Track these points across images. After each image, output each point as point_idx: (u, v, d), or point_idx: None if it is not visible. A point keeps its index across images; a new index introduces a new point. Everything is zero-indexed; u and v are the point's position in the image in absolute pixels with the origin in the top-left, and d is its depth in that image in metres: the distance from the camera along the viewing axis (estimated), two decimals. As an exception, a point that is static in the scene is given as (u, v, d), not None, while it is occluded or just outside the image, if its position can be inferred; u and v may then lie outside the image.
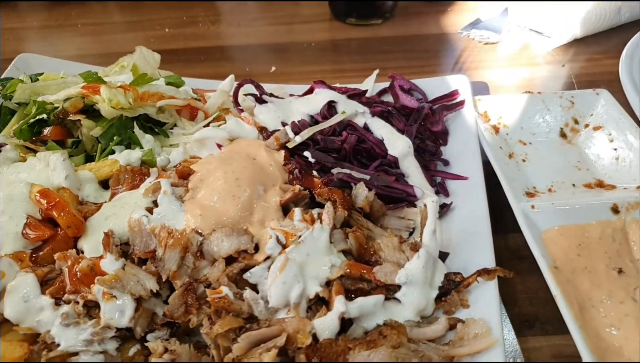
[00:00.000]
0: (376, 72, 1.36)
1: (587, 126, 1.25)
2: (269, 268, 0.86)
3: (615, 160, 1.17)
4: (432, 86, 1.30)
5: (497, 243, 1.02)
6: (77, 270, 0.89)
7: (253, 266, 0.88)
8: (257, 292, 0.85)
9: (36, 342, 0.84)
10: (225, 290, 0.82)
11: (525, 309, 0.98)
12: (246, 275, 0.86)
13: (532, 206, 1.02)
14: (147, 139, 1.13)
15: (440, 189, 1.10)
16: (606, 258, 0.97)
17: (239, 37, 1.77)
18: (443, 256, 0.98)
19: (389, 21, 1.80)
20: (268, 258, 0.88)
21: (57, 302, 0.87)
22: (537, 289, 0.99)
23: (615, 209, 1.02)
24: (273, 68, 1.58)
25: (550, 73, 1.54)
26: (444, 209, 1.06)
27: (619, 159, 1.17)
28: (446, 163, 1.16)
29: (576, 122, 1.26)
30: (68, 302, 0.87)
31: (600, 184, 1.14)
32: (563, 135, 1.26)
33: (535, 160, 1.21)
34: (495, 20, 1.72)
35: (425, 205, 0.98)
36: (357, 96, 1.23)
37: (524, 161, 1.21)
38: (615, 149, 1.18)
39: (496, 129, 1.26)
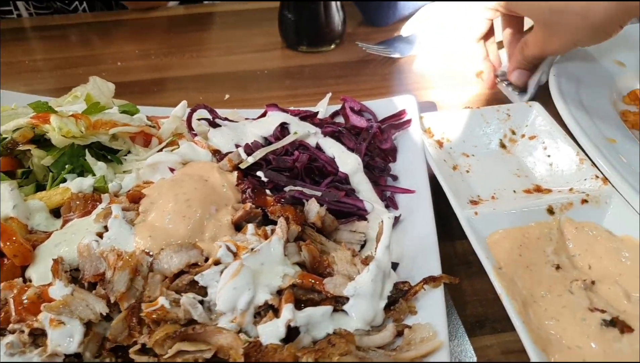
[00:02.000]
0: (329, 95, 1.38)
1: (523, 136, 1.30)
2: (221, 272, 0.85)
3: (550, 166, 1.21)
4: (381, 107, 1.33)
5: (445, 250, 1.04)
6: (24, 298, 0.85)
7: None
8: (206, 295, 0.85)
9: (-19, 374, 0.80)
10: (161, 300, 0.80)
11: (476, 310, 0.99)
12: (197, 277, 0.85)
13: (476, 213, 1.04)
14: (99, 167, 1.11)
15: (390, 203, 1.12)
16: (545, 256, 0.99)
17: (192, 68, 1.78)
18: (394, 266, 0.99)
19: (339, 47, 1.85)
20: (219, 263, 0.87)
21: (2, 333, 0.84)
22: (486, 290, 1.00)
23: (551, 211, 1.06)
24: (227, 96, 1.59)
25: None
26: (393, 222, 1.08)
27: (553, 165, 1.21)
28: (395, 178, 1.18)
29: (513, 133, 1.31)
30: (13, 332, 0.83)
31: (538, 189, 1.18)
32: (503, 146, 1.31)
33: (478, 170, 1.25)
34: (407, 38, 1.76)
35: (382, 221, 0.99)
36: (309, 117, 1.25)
37: (467, 171, 1.25)
38: (549, 156, 1.23)
39: (440, 144, 1.29)
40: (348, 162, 1.12)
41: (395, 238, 1.05)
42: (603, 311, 0.89)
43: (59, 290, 0.86)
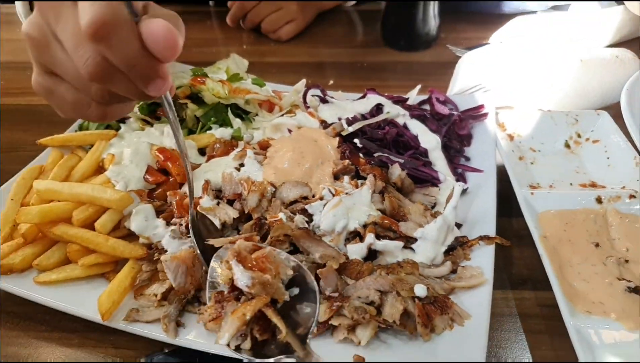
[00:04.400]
0: (419, 86, 1.60)
1: (587, 139, 1.45)
2: (323, 206, 1.13)
3: (607, 167, 1.36)
4: (463, 100, 1.53)
5: (503, 223, 1.21)
6: (183, 202, 1.19)
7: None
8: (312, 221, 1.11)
9: (151, 247, 1.14)
10: (280, 215, 1.08)
11: (521, 271, 1.16)
12: (307, 206, 1.11)
13: (532, 193, 1.23)
14: (236, 122, 1.44)
15: (460, 178, 1.33)
16: (587, 235, 1.14)
17: (304, 56, 2.08)
18: (458, 225, 1.21)
19: (432, 48, 2.07)
20: (322, 199, 1.14)
21: (167, 223, 1.17)
22: (532, 257, 1.16)
23: (599, 200, 1.21)
24: (331, 81, 1.87)
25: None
26: (461, 193, 1.30)
27: (610, 166, 1.36)
28: (467, 158, 1.38)
29: (579, 136, 1.47)
30: (175, 224, 1.16)
31: (593, 185, 1.33)
32: (567, 146, 1.47)
33: (542, 164, 1.42)
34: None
35: (454, 188, 1.21)
36: (400, 102, 1.49)
37: (532, 163, 1.43)
38: (608, 158, 1.38)
39: (511, 137, 1.48)
40: (429, 140, 1.35)
41: (461, 205, 1.26)
42: (629, 281, 1.06)
43: (206, 202, 1.17)
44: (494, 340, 1.04)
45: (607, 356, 0.91)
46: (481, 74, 1.71)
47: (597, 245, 1.13)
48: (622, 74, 1.59)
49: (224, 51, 2.03)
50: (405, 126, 1.39)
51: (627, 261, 1.11)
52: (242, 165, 1.25)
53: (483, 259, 1.10)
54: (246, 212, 1.12)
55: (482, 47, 1.90)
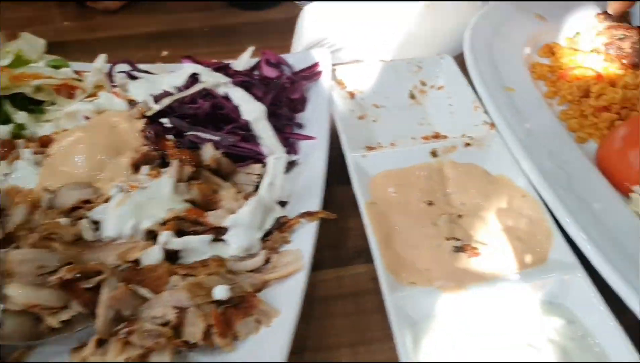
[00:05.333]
0: (251, 49, 1.45)
1: (432, 87, 1.38)
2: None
3: (450, 114, 1.29)
4: (298, 60, 1.40)
5: (339, 193, 1.13)
6: None
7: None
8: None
9: None
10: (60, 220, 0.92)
11: (357, 243, 1.08)
12: (89, 214, 0.96)
13: (364, 155, 1.13)
14: (20, 116, 1.22)
15: (291, 149, 1.21)
16: (420, 194, 1.08)
17: (133, 27, 1.85)
18: (283, 203, 1.09)
19: (283, 5, 1.90)
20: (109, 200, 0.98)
21: None
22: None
23: (434, 153, 1.14)
24: (164, 52, 1.67)
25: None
26: (291, 165, 1.17)
27: (453, 113, 1.29)
28: (300, 126, 1.26)
29: (424, 84, 1.39)
30: None
31: (437, 136, 1.25)
32: (412, 96, 1.38)
33: (385, 120, 1.32)
34: None
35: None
36: (222, 69, 1.33)
37: (374, 121, 1.32)
38: (451, 105, 1.31)
39: (352, 95, 1.37)
40: (252, 110, 1.21)
41: (289, 179, 1.15)
42: (458, 239, 0.98)
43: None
44: (315, 329, 0.96)
45: (424, 331, 0.86)
46: (325, 28, 1.57)
47: (430, 204, 1.06)
48: (473, 15, 1.49)
49: (40, 31, 1.76)
50: (226, 97, 1.22)
51: (460, 216, 1.03)
52: (16, 170, 1.03)
53: (303, 240, 0.99)
54: (6, 231, 0.92)
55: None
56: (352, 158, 1.12)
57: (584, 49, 1.43)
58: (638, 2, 1.48)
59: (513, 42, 1.45)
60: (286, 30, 1.78)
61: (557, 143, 1.15)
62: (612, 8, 1.45)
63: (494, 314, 0.87)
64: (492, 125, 1.17)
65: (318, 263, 1.08)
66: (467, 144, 1.15)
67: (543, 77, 1.38)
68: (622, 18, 1.47)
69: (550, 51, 1.46)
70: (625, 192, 1.07)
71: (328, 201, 1.12)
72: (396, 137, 1.27)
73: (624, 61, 1.32)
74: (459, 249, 0.96)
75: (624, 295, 0.83)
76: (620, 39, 1.34)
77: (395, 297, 0.87)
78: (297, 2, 1.81)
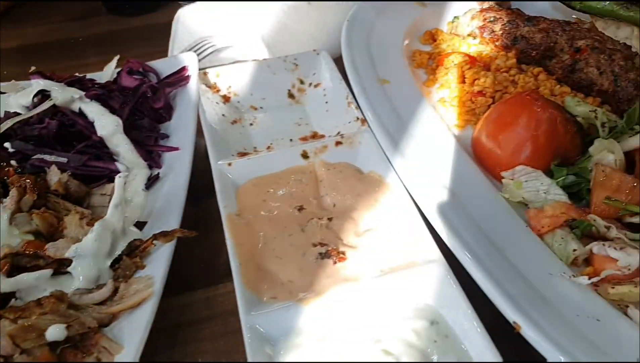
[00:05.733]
0: (116, 58, 1.36)
1: (310, 85, 1.33)
2: None
3: (326, 112, 1.25)
4: (165, 66, 1.32)
5: (211, 205, 1.05)
6: None
7: None
8: None
9: None
10: None
11: (228, 259, 1.02)
12: None
13: (229, 164, 1.07)
14: None
15: (153, 163, 1.13)
16: (290, 200, 1.03)
17: (6, 41, 1.71)
18: (141, 225, 1.01)
19: (166, 8, 1.81)
20: None
21: None
22: None
23: (305, 155, 1.10)
24: (33, 68, 1.54)
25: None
26: (151, 181, 1.09)
27: (329, 111, 1.25)
28: (164, 136, 1.18)
29: (302, 82, 1.34)
30: None
31: (314, 136, 1.21)
32: (291, 96, 1.33)
33: (263, 123, 1.27)
34: None
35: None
36: (77, 82, 1.23)
37: (251, 125, 1.27)
38: (327, 102, 1.27)
39: (227, 99, 1.30)
40: (106, 124, 1.12)
41: (152, 196, 1.07)
42: (324, 245, 0.94)
43: None
44: (179, 356, 0.91)
45: (283, 349, 0.82)
46: (203, 29, 1.50)
47: (300, 209, 1.03)
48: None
49: None
50: (80, 112, 1.13)
51: (330, 219, 0.99)
52: None
53: (158, 264, 0.92)
54: None
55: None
56: (217, 167, 1.06)
57: (462, 33, 1.42)
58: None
59: (393, 32, 1.43)
60: (165, 36, 1.69)
61: (430, 134, 1.13)
62: None
63: (354, 322, 0.84)
64: (364, 121, 1.14)
65: (187, 285, 1.02)
66: (338, 143, 1.11)
67: (423, 65, 1.37)
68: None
69: (432, 37, 1.45)
70: (498, 178, 1.06)
71: (200, 216, 1.07)
72: (274, 140, 1.22)
73: (497, 43, 1.32)
74: (325, 255, 0.93)
75: (489, 292, 0.81)
76: (491, 21, 1.34)
77: (251, 318, 0.82)
78: (181, 2, 1.72)
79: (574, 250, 0.92)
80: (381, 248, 0.95)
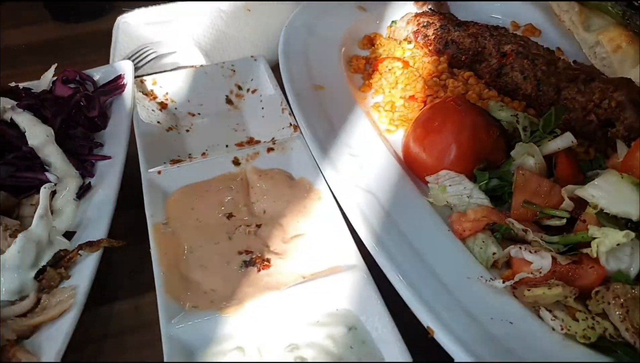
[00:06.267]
0: (54, 66, 1.35)
1: (248, 90, 1.36)
2: None
3: (262, 118, 1.28)
4: (103, 74, 1.33)
5: (142, 214, 1.06)
6: None
7: None
8: None
9: None
10: None
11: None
12: None
13: (159, 172, 1.09)
14: None
15: (85, 172, 1.14)
16: (219, 207, 1.06)
17: None
18: (69, 234, 1.02)
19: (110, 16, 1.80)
20: None
21: None
22: None
23: (237, 162, 1.13)
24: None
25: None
26: (83, 190, 1.10)
27: (265, 117, 1.28)
28: (99, 145, 1.19)
29: (240, 88, 1.36)
30: None
31: (250, 142, 1.24)
32: (229, 102, 1.36)
33: (199, 129, 1.30)
34: None
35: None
36: (10, 92, 1.23)
37: (187, 131, 1.29)
38: (263, 108, 1.29)
39: (164, 106, 1.32)
40: (37, 134, 1.12)
41: (82, 206, 1.08)
42: (250, 252, 0.97)
43: None
44: None
45: (203, 358, 0.84)
46: (143, 36, 1.51)
47: (230, 216, 1.05)
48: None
49: None
50: (12, 122, 1.12)
51: (259, 225, 1.03)
52: None
53: (83, 274, 0.93)
54: None
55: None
56: (146, 176, 1.09)
57: (399, 37, 1.45)
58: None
59: (331, 37, 1.47)
60: (108, 43, 1.69)
61: (361, 140, 1.16)
62: None
63: (272, 330, 0.87)
64: (296, 127, 1.16)
65: (114, 294, 1.03)
66: (270, 150, 1.14)
67: (360, 70, 1.41)
68: (437, 2, 1.51)
69: (370, 42, 1.49)
70: (426, 183, 1.09)
71: (131, 225, 1.07)
72: (210, 146, 1.25)
73: (430, 48, 1.36)
74: (249, 263, 0.97)
75: (405, 296, 0.85)
76: (425, 26, 1.38)
77: (172, 327, 0.85)
78: (124, 9, 1.71)
79: (494, 254, 0.96)
80: (306, 255, 0.98)
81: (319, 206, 1.05)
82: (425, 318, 0.82)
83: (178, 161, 1.16)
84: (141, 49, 1.51)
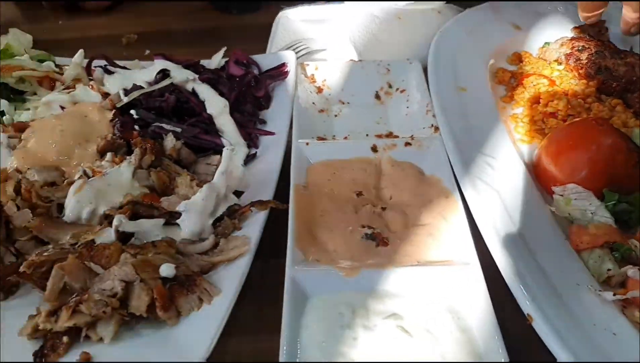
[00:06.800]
0: (224, 49, 1.57)
1: (397, 89, 1.49)
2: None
3: (405, 116, 1.40)
4: (267, 60, 1.53)
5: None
6: None
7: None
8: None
9: None
10: None
11: None
12: (52, 197, 1.06)
13: (307, 143, 1.25)
14: (2, 104, 1.32)
15: (252, 143, 1.30)
16: (352, 184, 1.19)
17: (124, 27, 1.95)
18: (239, 193, 1.17)
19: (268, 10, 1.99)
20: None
21: None
22: None
23: (375, 149, 1.26)
24: (147, 51, 1.76)
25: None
26: (249, 158, 1.25)
27: (408, 115, 1.39)
28: (263, 122, 1.36)
29: (390, 86, 1.49)
30: None
31: (389, 135, 1.36)
32: (377, 97, 1.50)
33: (347, 116, 1.46)
34: None
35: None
36: (192, 66, 1.43)
37: (336, 116, 1.46)
38: (408, 107, 1.40)
39: (320, 90, 1.50)
40: (215, 105, 1.31)
41: (248, 171, 1.24)
42: (371, 228, 1.09)
43: None
44: (256, 311, 1.02)
45: (315, 303, 0.95)
46: (299, 32, 1.66)
47: (359, 194, 1.19)
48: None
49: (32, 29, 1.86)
50: (193, 92, 1.31)
51: (384, 208, 1.14)
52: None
53: (253, 227, 1.08)
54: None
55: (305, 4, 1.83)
56: (296, 144, 1.26)
57: (550, 58, 1.50)
58: (607, 8, 1.52)
59: (481, 49, 1.55)
60: (265, 34, 1.87)
61: (495, 145, 1.24)
62: (581, 15, 1.51)
63: (380, 297, 0.96)
64: (437, 128, 1.25)
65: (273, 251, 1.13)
66: (407, 144, 1.27)
67: (504, 82, 1.48)
68: (597, 29, 1.54)
69: (519, 58, 1.56)
70: (551, 194, 1.16)
71: (285, 195, 1.17)
72: (352, 133, 1.38)
73: (581, 72, 1.39)
74: (369, 236, 1.08)
75: (510, 283, 0.93)
76: (579, 50, 1.42)
77: (294, 271, 0.98)
78: (282, 5, 1.89)
79: (608, 270, 1.00)
80: (423, 244, 1.07)
81: (444, 202, 1.13)
82: (527, 306, 0.88)
83: (323, 139, 1.30)
84: (295, 43, 1.67)
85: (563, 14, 1.68)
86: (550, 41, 1.56)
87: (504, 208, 1.08)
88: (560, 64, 1.47)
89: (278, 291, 1.00)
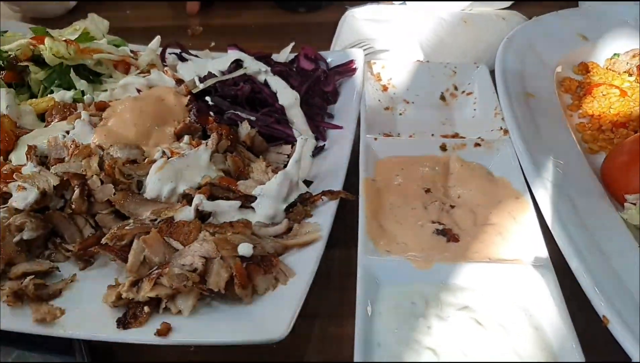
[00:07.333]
0: (292, 44, 1.63)
1: (463, 92, 1.52)
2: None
3: (472, 118, 1.42)
4: (335, 57, 1.59)
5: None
6: (4, 170, 1.12)
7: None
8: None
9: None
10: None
11: None
12: (133, 173, 1.12)
13: (375, 138, 1.29)
14: (81, 84, 1.40)
15: (320, 135, 1.34)
16: (420, 180, 1.23)
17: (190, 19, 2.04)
18: (308, 183, 1.21)
19: (331, 9, 2.04)
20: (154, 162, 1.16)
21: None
22: None
23: (444, 148, 1.30)
24: (212, 43, 1.82)
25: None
26: (318, 150, 1.28)
27: (475, 117, 1.41)
28: (330, 116, 1.40)
29: (456, 88, 1.53)
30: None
31: (455, 136, 1.39)
32: (443, 98, 1.54)
33: (411, 115, 1.51)
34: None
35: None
36: (264, 58, 1.48)
37: (400, 114, 1.50)
38: (475, 110, 1.42)
39: (385, 88, 1.55)
40: (287, 97, 1.36)
41: (316, 162, 1.27)
42: (441, 224, 1.12)
43: (29, 169, 1.13)
44: (324, 297, 1.06)
45: (387, 292, 0.97)
46: (364, 31, 1.69)
47: (427, 191, 1.22)
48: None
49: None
50: (265, 83, 1.36)
51: (452, 206, 1.18)
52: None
53: (324, 215, 1.12)
54: (65, 178, 1.06)
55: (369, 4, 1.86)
56: (365, 139, 1.30)
57: (619, 70, 1.50)
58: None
59: (549, 56, 1.58)
60: (327, 32, 1.91)
61: (564, 151, 1.26)
62: None
63: (452, 290, 0.98)
64: (506, 131, 1.26)
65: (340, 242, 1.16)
66: (477, 145, 1.30)
67: (570, 91, 1.49)
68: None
69: (586, 68, 1.58)
70: (622, 202, 1.16)
71: (352, 187, 1.22)
72: (417, 131, 1.42)
73: (652, 83, 1.39)
74: (440, 232, 1.12)
75: (594, 302, 0.93)
76: (652, 63, 1.41)
77: (367, 259, 1.02)
78: (346, 4, 1.93)
79: None
80: (493, 242, 1.10)
81: (514, 204, 1.16)
82: (602, 308, 0.89)
83: (389, 135, 1.34)
84: (359, 42, 1.71)
85: (632, 26, 1.70)
86: (620, 53, 1.60)
87: (575, 211, 1.10)
88: (631, 75, 1.50)
89: (345, 279, 1.04)
